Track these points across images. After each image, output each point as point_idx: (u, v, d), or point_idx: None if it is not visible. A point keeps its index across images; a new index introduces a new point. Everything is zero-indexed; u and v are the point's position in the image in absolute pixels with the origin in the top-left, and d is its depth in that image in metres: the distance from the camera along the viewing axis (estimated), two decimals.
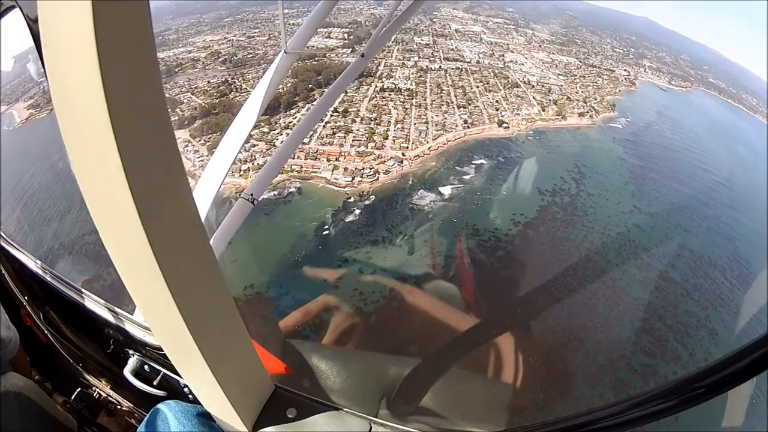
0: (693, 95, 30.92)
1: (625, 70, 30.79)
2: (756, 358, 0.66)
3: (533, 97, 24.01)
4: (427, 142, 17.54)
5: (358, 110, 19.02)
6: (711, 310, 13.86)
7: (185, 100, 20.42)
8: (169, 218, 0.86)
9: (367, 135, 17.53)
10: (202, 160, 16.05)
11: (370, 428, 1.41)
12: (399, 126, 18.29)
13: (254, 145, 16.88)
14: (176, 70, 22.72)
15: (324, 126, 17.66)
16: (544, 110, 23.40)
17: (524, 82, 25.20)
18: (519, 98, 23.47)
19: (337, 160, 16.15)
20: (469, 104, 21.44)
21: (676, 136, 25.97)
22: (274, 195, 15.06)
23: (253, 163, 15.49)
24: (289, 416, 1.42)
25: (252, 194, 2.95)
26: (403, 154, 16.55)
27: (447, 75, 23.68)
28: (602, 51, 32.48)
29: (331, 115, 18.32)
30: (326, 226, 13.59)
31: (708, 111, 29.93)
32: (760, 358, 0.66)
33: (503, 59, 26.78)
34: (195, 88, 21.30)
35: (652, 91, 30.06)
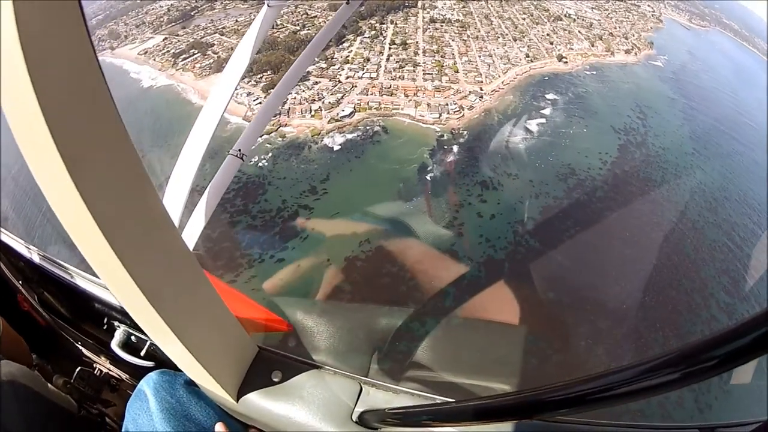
0: (711, 35, 30.31)
1: (648, 6, 29.75)
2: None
3: (579, 32, 23.16)
4: (499, 76, 16.36)
5: (417, 42, 17.46)
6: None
7: (215, 42, 18.73)
8: (107, 176, 0.82)
9: (436, 68, 16.12)
10: (258, 102, 14.62)
11: (361, 389, 1.34)
12: (465, 59, 16.93)
13: (316, 83, 15.41)
14: (192, 14, 20.86)
15: (387, 59, 16.24)
16: (593, 45, 22.56)
17: (565, 16, 24.14)
18: (566, 32, 22.60)
19: (415, 95, 14.89)
20: (523, 37, 20.18)
21: (708, 77, 25.68)
22: (359, 135, 13.93)
23: (323, 102, 14.13)
24: (275, 380, 1.35)
25: (240, 149, 2.99)
26: (480, 89, 15.39)
27: (489, 5, 22.29)
28: None
29: (391, 47, 16.85)
30: (429, 168, 12.50)
31: (729, 53, 29.58)
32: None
33: None
34: (223, 28, 19.54)
35: (677, 29, 29.38)
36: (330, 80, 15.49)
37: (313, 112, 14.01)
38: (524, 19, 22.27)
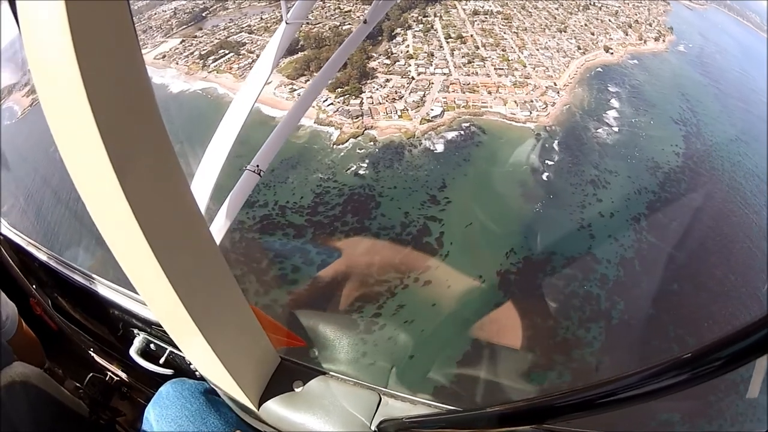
0: (710, 13, 30.76)
1: None
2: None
3: (609, 20, 23.21)
4: (564, 70, 16.27)
5: (472, 35, 17.14)
6: None
7: (246, 41, 17.87)
8: (151, 181, 0.85)
9: (505, 63, 15.89)
10: (328, 102, 14.15)
11: (380, 399, 1.37)
12: (527, 53, 16.74)
13: (388, 80, 14.89)
14: (204, 15, 19.89)
15: (452, 54, 15.90)
16: (626, 34, 22.68)
17: (591, 5, 24.13)
18: (599, 21, 22.62)
19: (497, 91, 14.66)
20: (566, 28, 20.09)
21: (722, 58, 26.08)
22: (458, 136, 13.41)
23: (405, 102, 13.72)
24: (296, 389, 1.39)
25: (258, 165, 3.03)
26: (555, 83, 15.28)
27: None
28: None
29: (448, 41, 16.53)
30: (541, 169, 12.26)
31: (730, 31, 29.99)
32: None
33: None
34: (248, 26, 18.65)
35: (683, 11, 29.66)
36: (402, 77, 15.04)
37: (399, 113, 13.67)
38: (557, 8, 22.13)
